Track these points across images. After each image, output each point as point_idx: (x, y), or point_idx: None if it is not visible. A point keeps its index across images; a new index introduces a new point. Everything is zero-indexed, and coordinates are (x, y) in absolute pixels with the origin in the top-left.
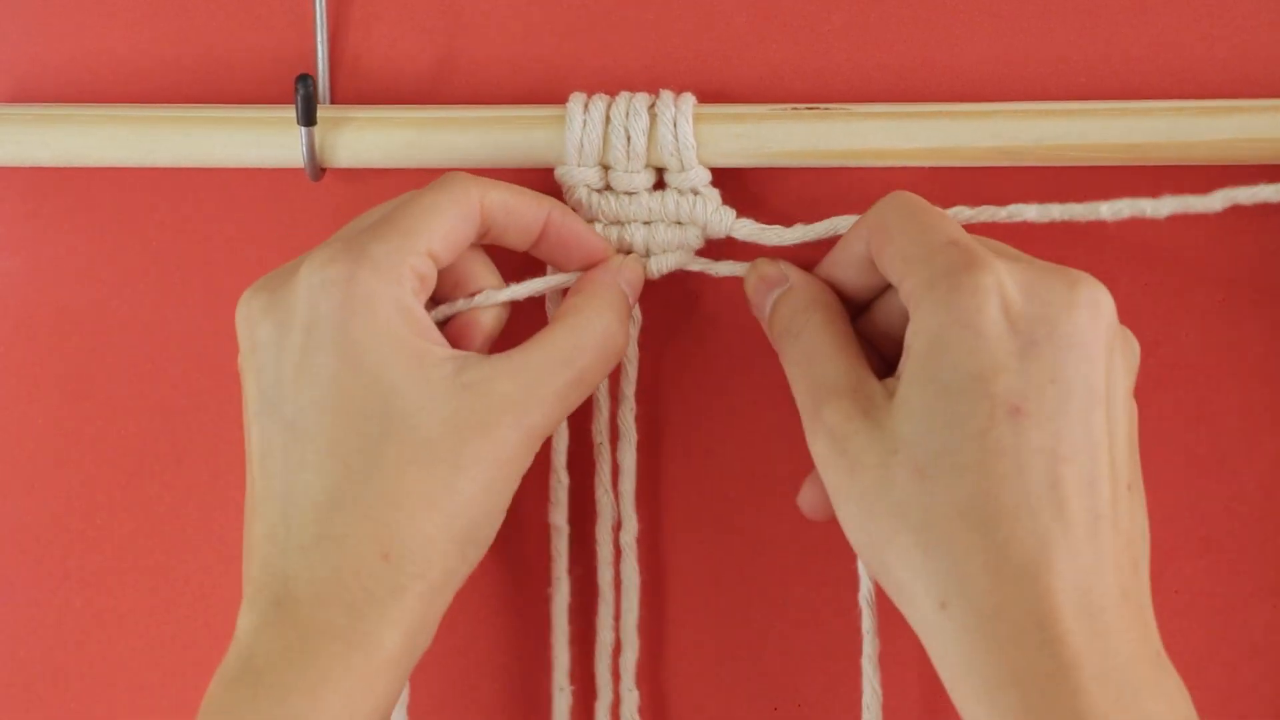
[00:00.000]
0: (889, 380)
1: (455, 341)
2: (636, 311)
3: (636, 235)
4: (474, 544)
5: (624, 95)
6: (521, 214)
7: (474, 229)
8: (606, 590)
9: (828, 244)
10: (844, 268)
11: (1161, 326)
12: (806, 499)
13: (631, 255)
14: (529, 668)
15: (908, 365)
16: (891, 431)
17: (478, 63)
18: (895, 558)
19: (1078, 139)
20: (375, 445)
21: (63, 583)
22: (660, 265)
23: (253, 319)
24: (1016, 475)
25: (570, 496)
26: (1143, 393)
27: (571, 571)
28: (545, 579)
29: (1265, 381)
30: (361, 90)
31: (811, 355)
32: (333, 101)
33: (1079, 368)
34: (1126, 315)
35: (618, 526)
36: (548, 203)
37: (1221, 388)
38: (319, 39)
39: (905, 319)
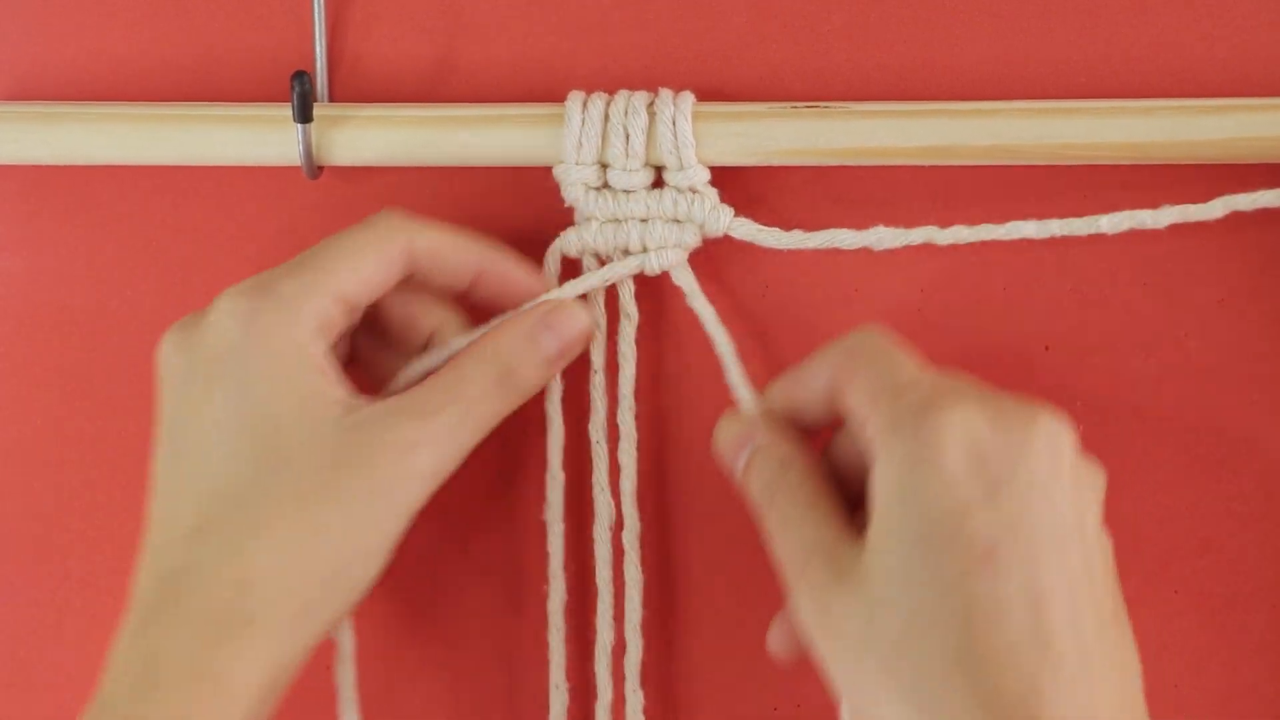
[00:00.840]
0: (868, 531)
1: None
2: (632, 308)
3: (633, 233)
4: (341, 583)
5: (623, 93)
6: (450, 260)
7: (395, 273)
8: (605, 590)
9: (826, 249)
10: (805, 397)
11: (1161, 327)
12: (776, 640)
13: (565, 301)
14: (528, 667)
15: (876, 516)
16: (868, 593)
17: (476, 61)
18: (888, 713)
19: (1078, 138)
20: (252, 478)
21: (63, 583)
22: (657, 263)
23: (166, 354)
24: (998, 622)
25: (571, 496)
26: (1143, 393)
27: (568, 570)
28: (543, 578)
29: (1265, 382)
30: (360, 89)
31: (787, 520)
32: (331, 100)
33: (1046, 506)
34: (1126, 317)
35: (617, 526)
36: (481, 249)
37: (1221, 388)
38: (317, 37)
39: (860, 454)
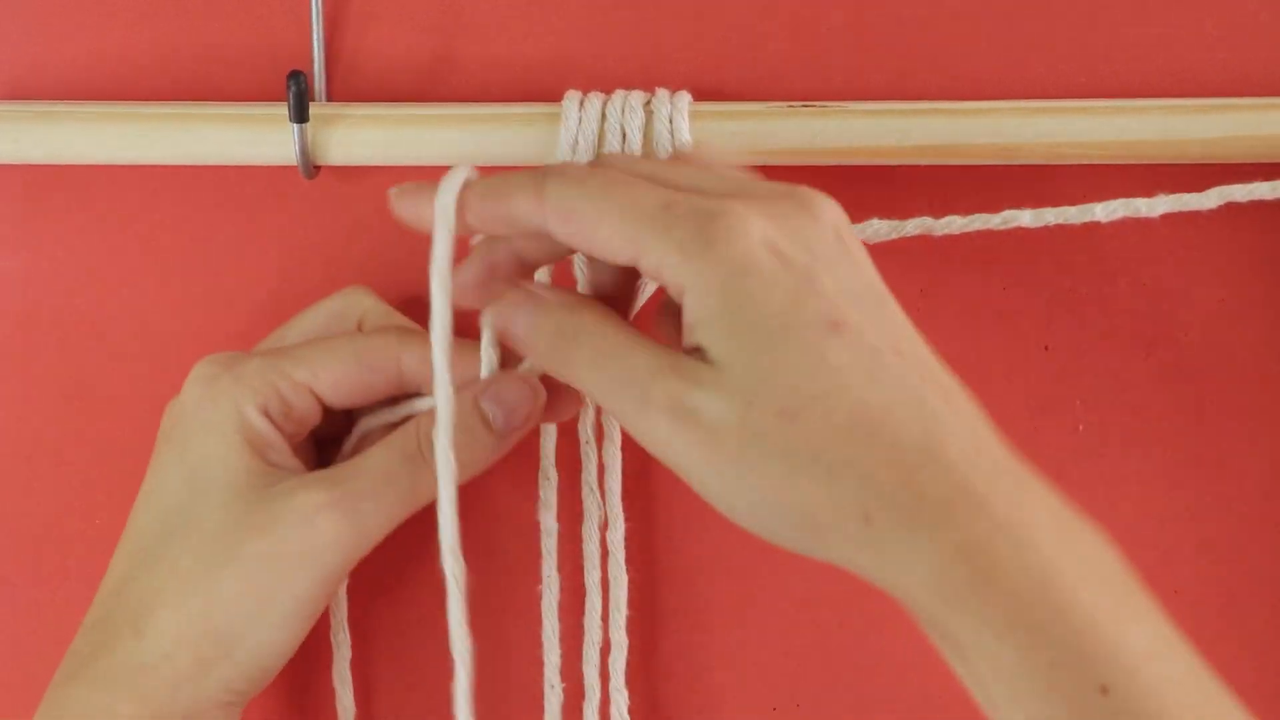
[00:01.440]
0: (703, 348)
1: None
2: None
3: None
4: (237, 644)
5: (620, 93)
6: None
7: (385, 381)
8: (593, 589)
9: None
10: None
11: (1161, 326)
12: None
13: (504, 374)
14: (519, 667)
15: (703, 330)
16: (737, 389)
17: (474, 60)
18: (798, 499)
19: (1075, 137)
20: (168, 536)
21: (63, 583)
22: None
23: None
24: (874, 380)
25: (559, 496)
26: (1143, 393)
27: (561, 570)
28: (535, 578)
29: (1265, 381)
30: (358, 88)
31: (605, 352)
32: (329, 99)
33: (855, 275)
34: (1125, 316)
35: (605, 525)
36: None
37: (1221, 388)
38: (315, 36)
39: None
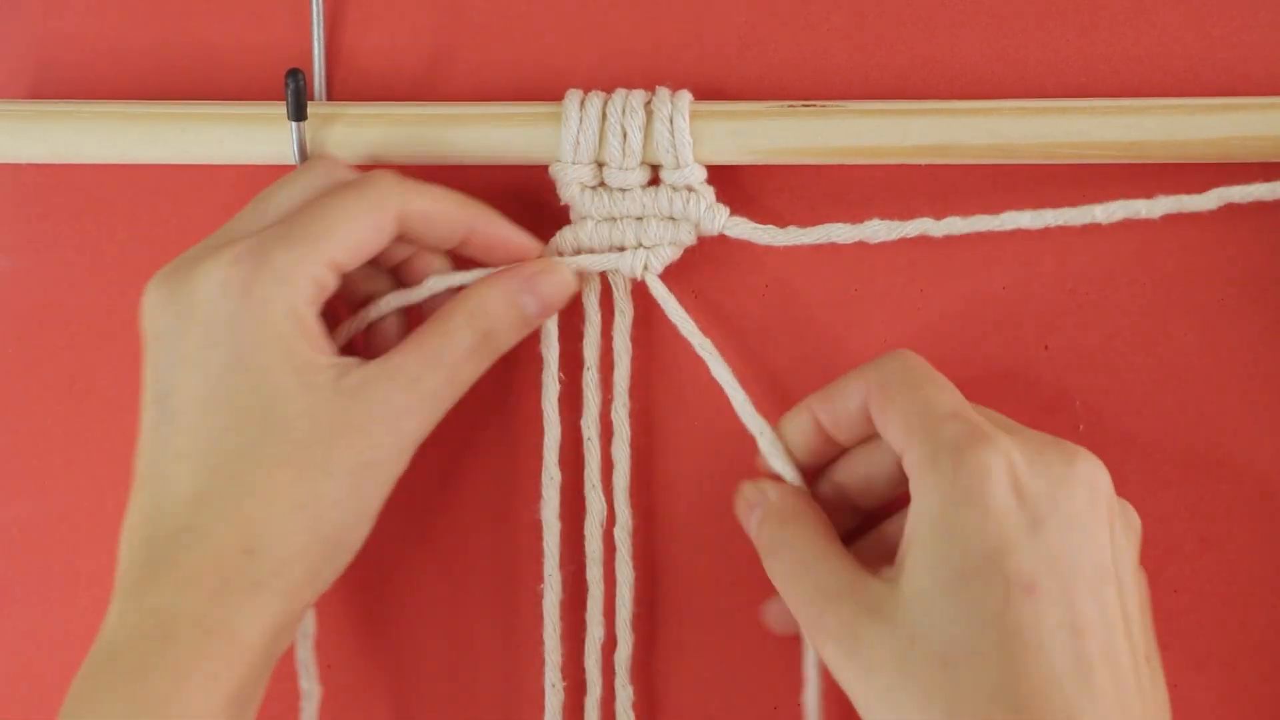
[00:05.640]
0: (886, 570)
1: (366, 344)
2: (626, 305)
3: (628, 231)
4: (340, 546)
5: (620, 92)
6: (440, 224)
7: (386, 238)
8: (595, 586)
9: (822, 246)
10: (835, 412)
11: (1161, 326)
12: (774, 616)
13: (552, 260)
14: (521, 663)
15: (913, 549)
16: (904, 625)
17: (475, 59)
18: None
19: (1074, 137)
20: (251, 445)
21: (63, 582)
22: (653, 261)
23: (154, 310)
24: (1039, 653)
25: (563, 492)
26: (1143, 393)
27: (564, 568)
28: (537, 575)
29: (1265, 381)
30: (358, 87)
31: (800, 566)
32: (329, 98)
33: (1086, 544)
34: (1125, 317)
35: (609, 522)
36: (471, 211)
37: (1221, 388)
38: (316, 35)
39: (889, 470)
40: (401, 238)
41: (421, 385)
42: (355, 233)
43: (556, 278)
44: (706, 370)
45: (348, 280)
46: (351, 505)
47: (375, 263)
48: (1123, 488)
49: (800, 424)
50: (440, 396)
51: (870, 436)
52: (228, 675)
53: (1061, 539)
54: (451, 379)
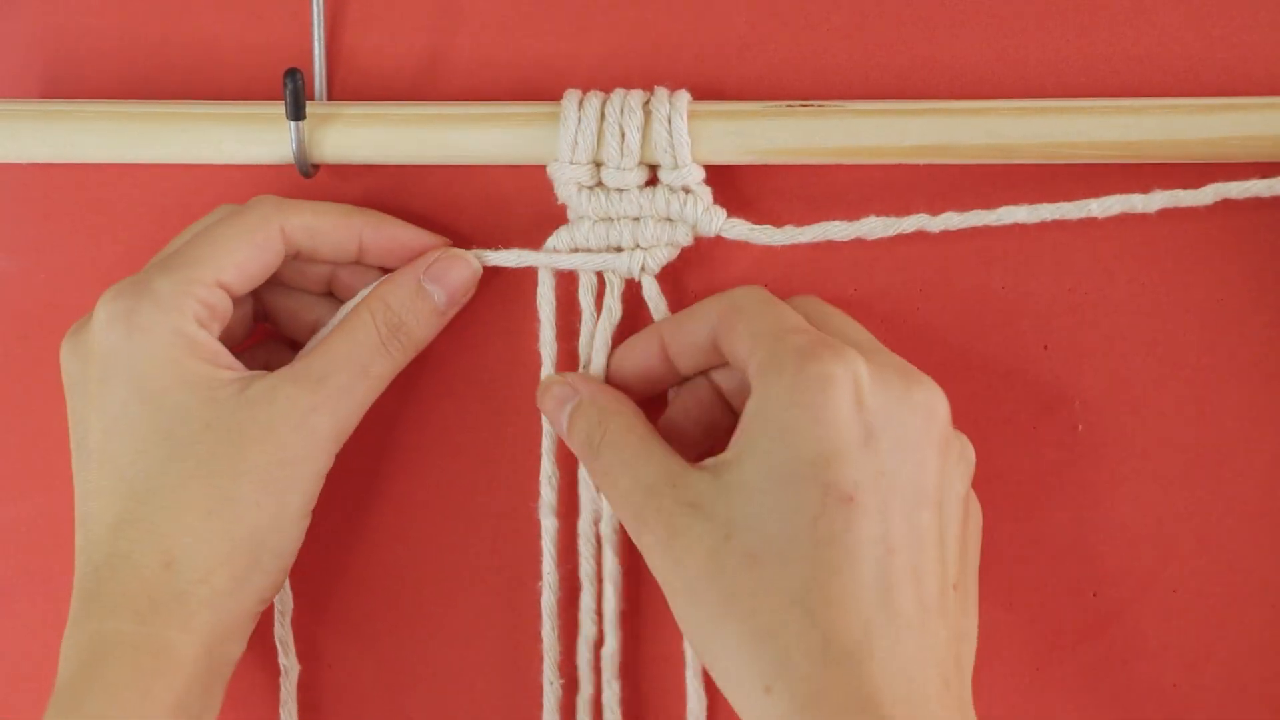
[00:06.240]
0: (710, 462)
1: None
2: (616, 306)
3: (624, 231)
4: (264, 549)
5: (619, 92)
6: (328, 234)
7: (274, 256)
8: (588, 583)
9: (820, 247)
10: (683, 337)
11: (1160, 325)
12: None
13: (453, 249)
14: (521, 661)
15: (743, 444)
16: (721, 519)
17: (474, 59)
18: (721, 645)
19: (1073, 137)
20: (159, 466)
21: (63, 582)
22: (649, 262)
23: (64, 361)
24: (846, 563)
25: (560, 492)
26: (1143, 393)
27: (560, 566)
28: (534, 573)
29: (1264, 380)
30: (358, 86)
31: (618, 463)
32: (329, 98)
33: (912, 465)
34: (1125, 316)
35: (597, 517)
36: (358, 221)
37: (1221, 388)
38: (316, 35)
39: (722, 401)
40: (299, 256)
41: (328, 383)
42: (235, 252)
43: (457, 262)
44: None
45: (287, 311)
46: (268, 506)
47: (307, 289)
48: (1123, 487)
49: (647, 347)
50: (351, 392)
51: (712, 368)
52: (164, 689)
53: (890, 456)
54: (362, 373)
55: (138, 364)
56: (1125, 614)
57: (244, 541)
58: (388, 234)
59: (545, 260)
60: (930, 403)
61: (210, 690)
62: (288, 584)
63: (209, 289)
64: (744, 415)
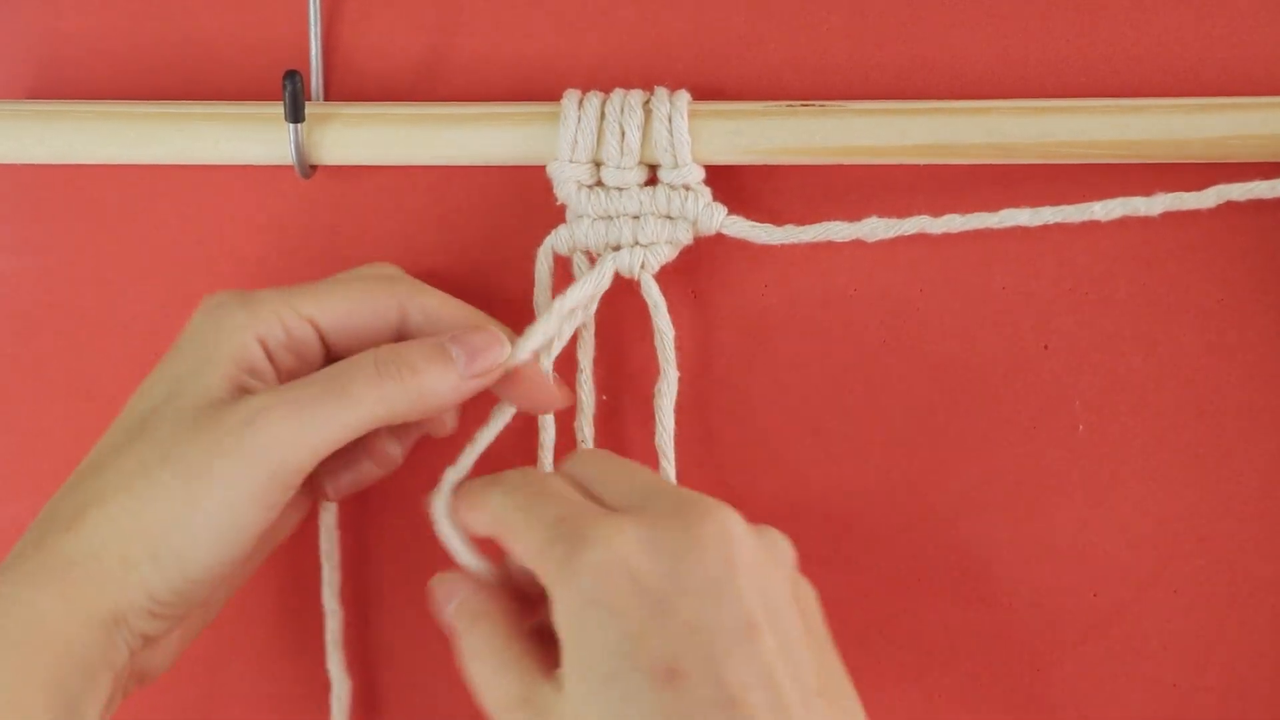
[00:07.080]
0: (559, 672)
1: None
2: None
3: (624, 229)
4: (166, 545)
5: (619, 92)
6: (440, 325)
7: (373, 314)
8: None
9: (820, 246)
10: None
11: (1160, 326)
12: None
13: (477, 327)
14: None
15: (567, 654)
16: None
17: (473, 59)
18: None
19: (1074, 136)
20: (124, 442)
21: None
22: (649, 260)
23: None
24: None
25: None
26: (1143, 392)
27: None
28: None
29: (1265, 381)
30: (356, 87)
31: (480, 678)
32: (327, 98)
33: (723, 606)
34: (1125, 316)
35: None
36: (463, 318)
37: (1221, 388)
38: (313, 35)
39: None
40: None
41: (294, 391)
42: (334, 294)
43: (490, 336)
44: (695, 370)
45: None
46: (179, 501)
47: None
48: (1123, 488)
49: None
50: (318, 404)
51: None
52: (40, 664)
53: (695, 612)
54: (340, 391)
55: (186, 350)
56: (1125, 614)
57: (144, 529)
58: (473, 326)
59: (556, 308)
60: (718, 528)
61: (93, 678)
62: (338, 604)
63: (298, 320)
64: (556, 628)
